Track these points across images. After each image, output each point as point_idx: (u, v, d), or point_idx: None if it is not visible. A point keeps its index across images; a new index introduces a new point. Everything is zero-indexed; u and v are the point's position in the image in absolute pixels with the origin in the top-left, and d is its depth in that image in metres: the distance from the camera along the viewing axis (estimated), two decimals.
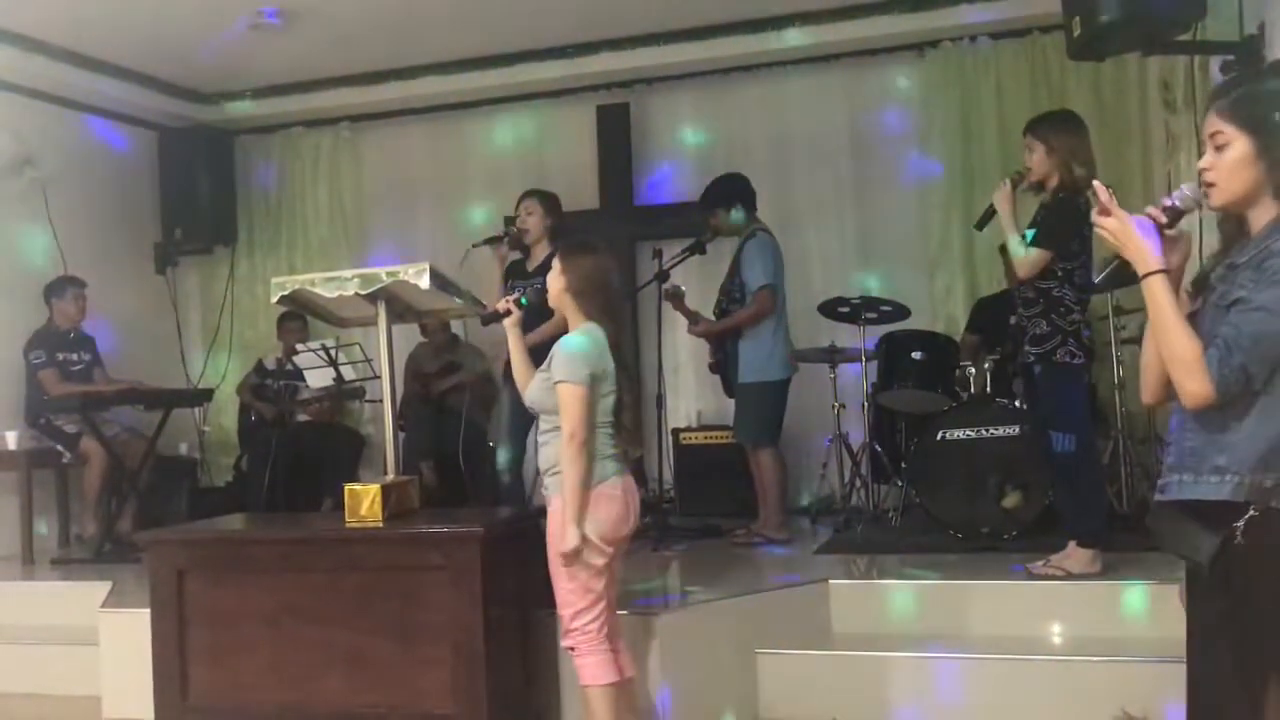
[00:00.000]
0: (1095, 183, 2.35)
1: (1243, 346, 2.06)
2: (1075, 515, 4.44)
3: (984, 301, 6.30)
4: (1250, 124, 2.13)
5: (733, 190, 5.63)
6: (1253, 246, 2.14)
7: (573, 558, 3.29)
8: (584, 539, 3.28)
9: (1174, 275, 2.22)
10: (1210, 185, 2.19)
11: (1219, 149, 2.16)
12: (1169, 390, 2.21)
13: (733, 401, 5.68)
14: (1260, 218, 2.16)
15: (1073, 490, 4.44)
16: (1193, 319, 2.19)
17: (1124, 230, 2.20)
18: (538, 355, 3.54)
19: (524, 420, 5.19)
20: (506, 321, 3.64)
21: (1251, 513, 2.07)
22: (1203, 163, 2.21)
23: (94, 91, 6.97)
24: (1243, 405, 2.10)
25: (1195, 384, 2.08)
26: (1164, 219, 2.20)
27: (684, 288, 5.81)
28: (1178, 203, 2.21)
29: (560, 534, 3.31)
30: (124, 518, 6.24)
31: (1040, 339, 4.32)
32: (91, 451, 6.28)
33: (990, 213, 4.49)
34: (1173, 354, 2.12)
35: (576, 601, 3.35)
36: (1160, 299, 2.14)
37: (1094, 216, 2.26)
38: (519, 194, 5.57)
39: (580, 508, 3.28)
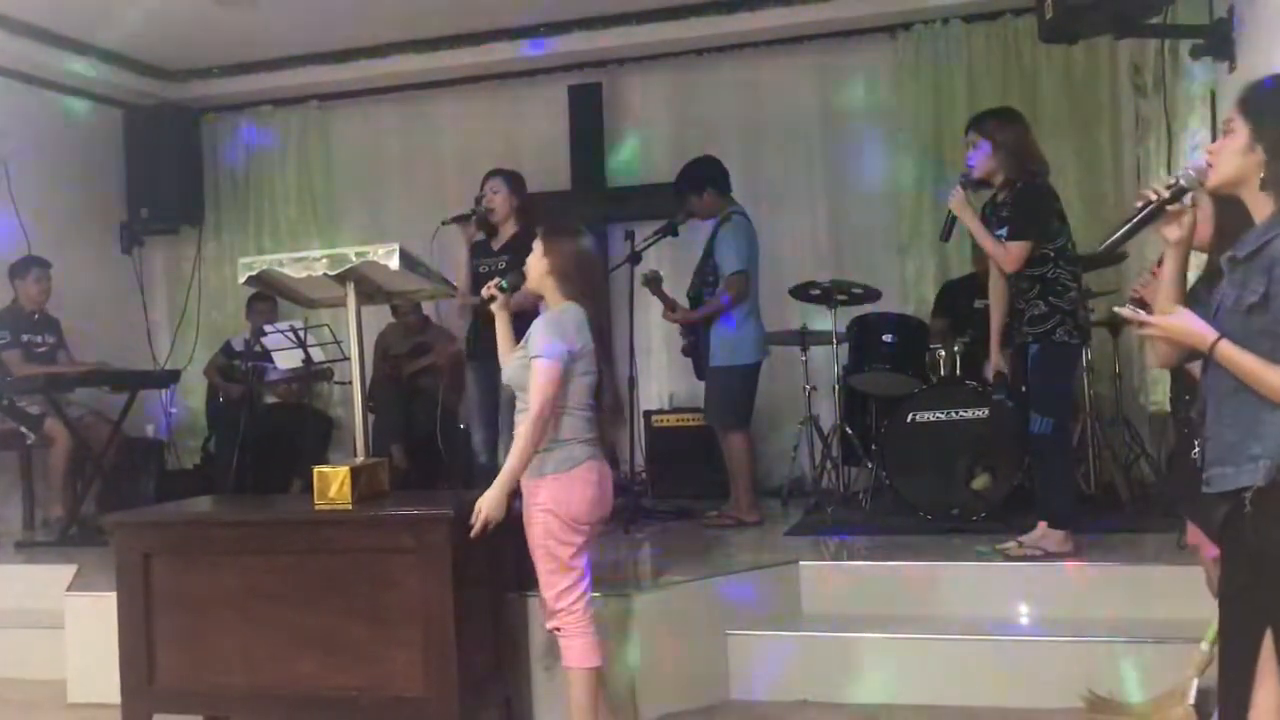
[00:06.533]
0: (1123, 311, 2.40)
1: None
2: (1046, 496, 4.47)
3: (950, 285, 6.32)
4: (1250, 114, 2.24)
5: (705, 173, 5.61)
6: (1252, 241, 2.22)
7: (483, 529, 3.29)
8: (510, 506, 3.31)
9: (1182, 246, 2.33)
10: (1210, 166, 2.30)
11: (1227, 134, 2.28)
12: (1183, 356, 2.36)
13: (704, 384, 5.68)
14: (1260, 210, 2.24)
15: (1046, 472, 4.47)
16: (1193, 295, 2.29)
17: (1174, 326, 2.25)
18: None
19: (492, 400, 5.18)
20: (493, 305, 3.63)
21: (1260, 483, 2.16)
22: (1212, 145, 2.34)
23: (58, 68, 6.85)
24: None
25: None
26: (1166, 194, 2.30)
27: (661, 272, 5.78)
28: (1182, 180, 2.32)
29: (533, 516, 3.32)
30: (90, 500, 6.18)
31: (1039, 319, 4.32)
32: (56, 434, 6.19)
33: (951, 220, 4.51)
34: (1276, 390, 2.17)
35: (559, 582, 3.35)
36: (1237, 358, 2.18)
37: (1142, 332, 2.33)
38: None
39: (514, 479, 3.29)
